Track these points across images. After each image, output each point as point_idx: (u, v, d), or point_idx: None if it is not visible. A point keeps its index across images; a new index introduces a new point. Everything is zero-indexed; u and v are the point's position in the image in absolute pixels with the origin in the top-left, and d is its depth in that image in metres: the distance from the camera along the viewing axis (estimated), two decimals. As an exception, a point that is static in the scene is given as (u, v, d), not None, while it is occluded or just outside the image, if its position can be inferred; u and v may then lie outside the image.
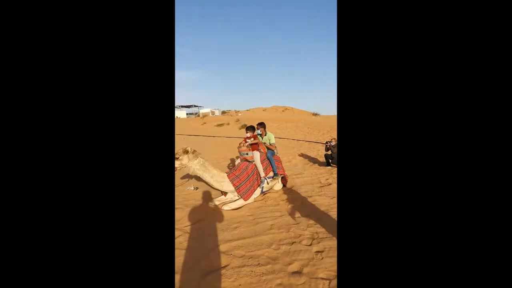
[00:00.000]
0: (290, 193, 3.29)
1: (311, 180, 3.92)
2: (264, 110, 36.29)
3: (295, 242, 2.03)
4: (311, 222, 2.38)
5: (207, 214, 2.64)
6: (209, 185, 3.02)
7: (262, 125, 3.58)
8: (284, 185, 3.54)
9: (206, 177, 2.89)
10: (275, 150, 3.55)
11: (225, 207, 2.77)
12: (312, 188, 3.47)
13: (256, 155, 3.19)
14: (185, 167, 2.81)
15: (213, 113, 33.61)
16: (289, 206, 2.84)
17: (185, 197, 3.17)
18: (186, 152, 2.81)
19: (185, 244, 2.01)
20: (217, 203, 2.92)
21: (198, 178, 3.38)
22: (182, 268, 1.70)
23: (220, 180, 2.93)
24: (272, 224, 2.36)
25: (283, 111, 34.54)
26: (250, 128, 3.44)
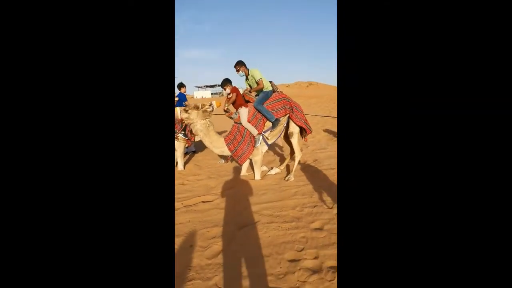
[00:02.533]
0: (314, 166, 3.47)
1: (335, 154, 4.02)
2: (288, 86, 35.23)
3: (317, 205, 2.26)
4: (334, 190, 2.57)
5: (237, 183, 2.97)
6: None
7: (240, 63, 2.86)
8: (305, 133, 3.12)
9: (206, 141, 2.85)
10: (270, 87, 2.92)
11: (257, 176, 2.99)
12: (335, 161, 3.59)
13: (242, 115, 2.84)
14: (192, 122, 2.82)
15: (236, 91, 33.65)
16: (313, 176, 3.04)
17: (218, 169, 3.55)
18: (196, 108, 2.76)
19: (221, 205, 2.37)
20: (245, 173, 3.21)
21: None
22: (220, 222, 2.06)
23: (219, 146, 2.88)
24: (296, 191, 2.60)
25: (307, 86, 33.26)
26: (226, 82, 2.87)
